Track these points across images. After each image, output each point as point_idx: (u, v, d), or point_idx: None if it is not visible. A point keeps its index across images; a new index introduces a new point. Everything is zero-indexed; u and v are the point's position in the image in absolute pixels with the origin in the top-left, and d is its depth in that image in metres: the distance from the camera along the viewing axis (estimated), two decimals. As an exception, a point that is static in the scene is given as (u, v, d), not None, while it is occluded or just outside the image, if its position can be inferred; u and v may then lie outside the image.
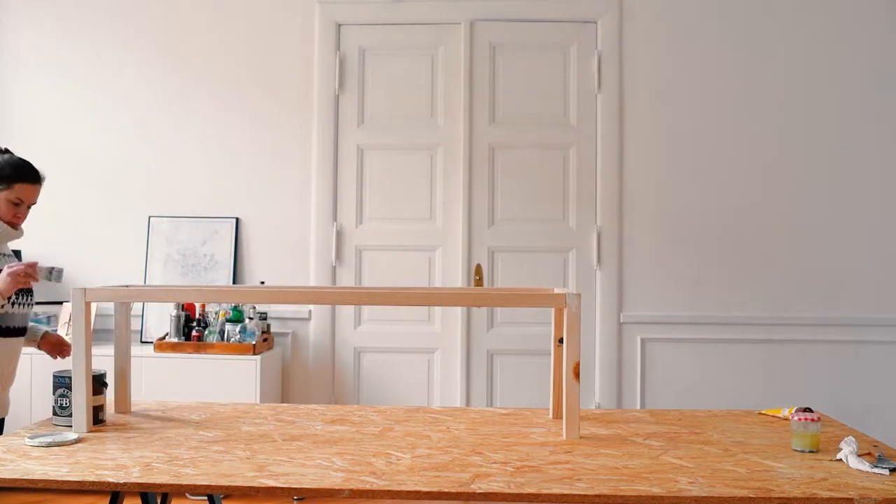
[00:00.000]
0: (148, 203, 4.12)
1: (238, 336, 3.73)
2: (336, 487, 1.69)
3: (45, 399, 3.68)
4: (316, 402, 3.97)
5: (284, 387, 4.05)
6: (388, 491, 1.69)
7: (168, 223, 4.10)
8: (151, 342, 3.88)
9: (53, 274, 2.35)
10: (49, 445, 1.99)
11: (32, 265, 2.27)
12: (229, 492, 1.72)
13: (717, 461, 1.90)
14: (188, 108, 4.11)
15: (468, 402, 3.98)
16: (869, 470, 1.80)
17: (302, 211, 4.08)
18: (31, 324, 2.57)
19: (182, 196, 4.11)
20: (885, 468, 1.79)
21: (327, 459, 1.89)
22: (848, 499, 1.63)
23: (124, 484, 1.71)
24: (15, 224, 2.46)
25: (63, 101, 4.15)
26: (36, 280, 2.29)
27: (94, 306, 3.61)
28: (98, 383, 2.23)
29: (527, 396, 3.95)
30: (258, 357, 3.66)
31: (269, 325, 3.92)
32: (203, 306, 3.86)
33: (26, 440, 2.02)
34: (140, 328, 4.02)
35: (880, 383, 3.90)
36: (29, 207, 2.48)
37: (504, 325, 3.98)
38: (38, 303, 4.00)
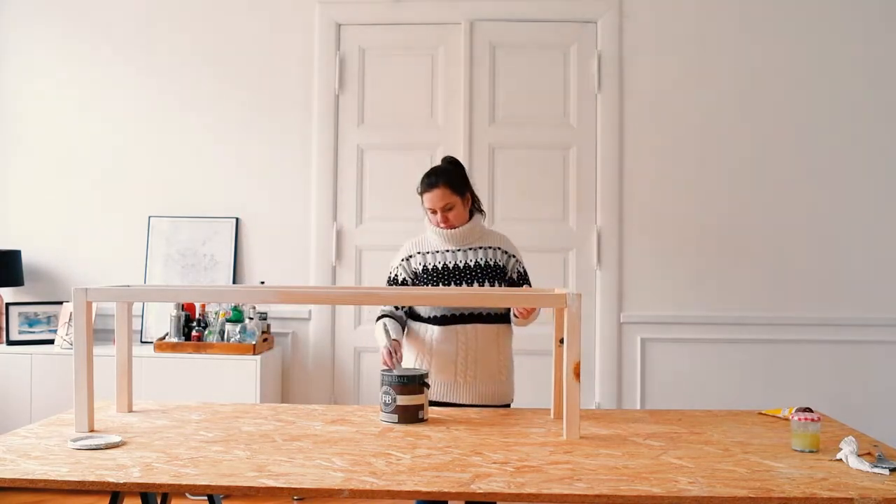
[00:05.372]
0: (148, 203, 4.12)
1: (238, 336, 3.73)
2: (336, 487, 1.69)
3: (45, 398, 3.68)
4: (316, 402, 3.97)
5: (284, 387, 4.05)
6: (388, 491, 1.69)
7: (168, 223, 4.10)
8: (151, 342, 3.88)
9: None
10: (95, 448, 1.96)
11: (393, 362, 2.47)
12: (229, 492, 1.72)
13: (717, 461, 1.90)
14: (188, 108, 4.11)
15: (468, 402, 3.97)
16: (869, 470, 1.80)
17: (302, 211, 4.08)
18: None
19: (182, 196, 4.11)
20: (885, 468, 1.79)
21: (327, 459, 1.89)
22: (848, 499, 1.63)
23: (124, 484, 1.71)
24: None
25: (63, 102, 4.15)
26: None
27: (94, 306, 3.61)
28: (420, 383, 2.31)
29: (527, 396, 3.95)
30: (258, 357, 3.66)
31: (269, 325, 3.92)
32: (203, 306, 3.86)
33: (69, 444, 1.99)
34: (140, 328, 4.01)
35: (880, 383, 3.90)
36: None
37: (504, 325, 3.98)
38: (37, 303, 4.01)
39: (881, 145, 3.93)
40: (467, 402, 2.59)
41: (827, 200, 3.94)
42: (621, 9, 3.99)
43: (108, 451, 1.94)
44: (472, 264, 2.63)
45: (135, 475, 1.75)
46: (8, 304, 3.94)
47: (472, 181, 2.74)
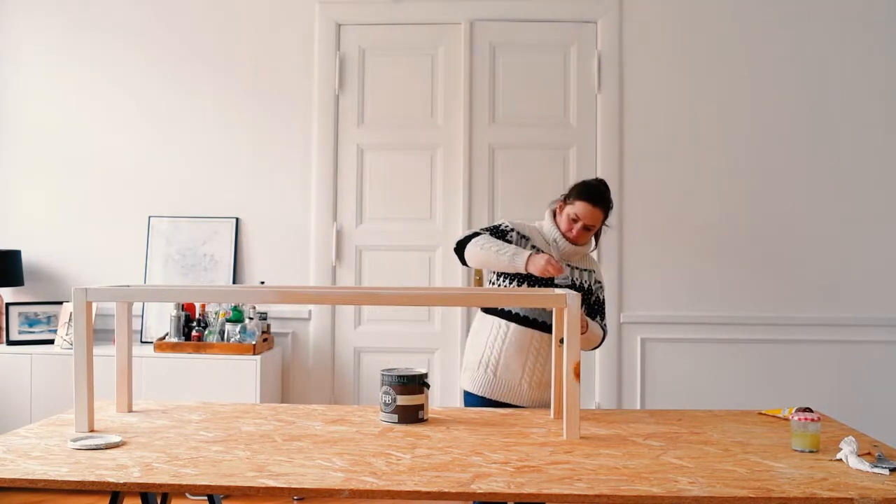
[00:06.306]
0: (148, 203, 4.12)
1: (238, 336, 3.73)
2: (336, 487, 1.69)
3: (45, 398, 3.68)
4: (316, 402, 3.97)
5: (284, 387, 4.05)
6: (388, 491, 1.69)
7: (168, 223, 4.10)
8: (151, 342, 3.88)
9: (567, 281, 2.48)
10: (95, 448, 1.96)
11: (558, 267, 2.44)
12: (229, 492, 1.72)
13: (717, 461, 1.90)
14: (188, 107, 4.11)
15: (468, 402, 3.97)
16: (869, 470, 1.80)
17: (302, 211, 4.08)
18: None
19: (182, 196, 4.11)
20: (885, 468, 1.79)
21: (327, 459, 1.89)
22: (848, 499, 1.63)
23: (124, 484, 1.71)
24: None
25: (63, 101, 4.15)
26: (554, 276, 2.45)
27: (94, 306, 3.61)
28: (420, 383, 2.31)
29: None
30: (258, 357, 3.66)
31: (269, 325, 3.92)
32: (203, 306, 3.86)
33: (69, 444, 1.99)
34: (140, 328, 4.02)
35: (880, 383, 3.90)
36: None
37: (504, 325, 3.97)
38: (37, 303, 4.00)
39: (881, 145, 3.93)
40: (527, 405, 2.62)
41: (827, 200, 3.94)
42: (621, 9, 3.99)
43: (108, 451, 1.95)
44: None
45: (135, 475, 1.75)
46: (8, 304, 3.94)
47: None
